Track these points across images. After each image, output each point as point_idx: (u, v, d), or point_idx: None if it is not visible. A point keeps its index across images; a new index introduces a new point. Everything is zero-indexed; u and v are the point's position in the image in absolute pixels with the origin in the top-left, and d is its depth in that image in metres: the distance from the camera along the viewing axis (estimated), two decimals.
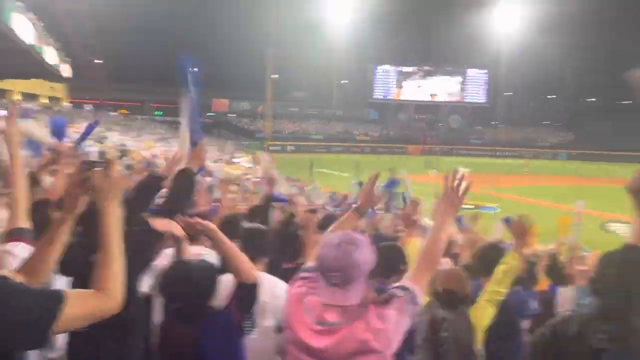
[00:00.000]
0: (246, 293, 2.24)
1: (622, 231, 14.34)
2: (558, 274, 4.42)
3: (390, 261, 3.00)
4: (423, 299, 1.89)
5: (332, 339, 1.72)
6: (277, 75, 59.82)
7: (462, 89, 68.30)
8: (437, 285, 2.75)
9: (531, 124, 70.29)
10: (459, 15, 60.93)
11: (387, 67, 66.91)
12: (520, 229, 2.98)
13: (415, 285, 1.86)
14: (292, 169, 26.61)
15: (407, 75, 67.55)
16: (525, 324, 3.49)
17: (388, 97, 67.60)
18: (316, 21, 60.00)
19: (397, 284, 1.88)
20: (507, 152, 58.47)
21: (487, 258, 3.27)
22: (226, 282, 2.28)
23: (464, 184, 2.05)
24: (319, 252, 1.84)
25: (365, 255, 1.79)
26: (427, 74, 67.54)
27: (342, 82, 70.31)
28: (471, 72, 67.83)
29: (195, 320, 2.17)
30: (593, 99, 71.96)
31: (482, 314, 2.75)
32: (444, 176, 2.04)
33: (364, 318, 1.73)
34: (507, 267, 2.88)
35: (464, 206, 2.09)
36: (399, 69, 67.15)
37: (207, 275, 2.25)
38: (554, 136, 65.66)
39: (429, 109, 69.87)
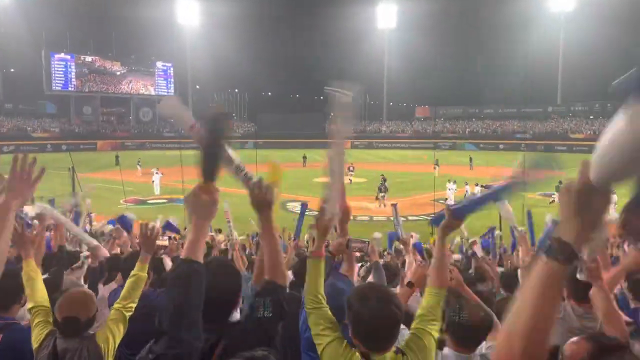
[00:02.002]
0: None
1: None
2: None
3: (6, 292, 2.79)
4: None
5: None
6: None
7: (150, 82, 67.24)
8: (57, 314, 2.50)
9: None
10: (144, 6, 59.68)
11: (65, 55, 60.40)
12: (148, 241, 3.02)
13: None
14: None
15: (90, 66, 62.53)
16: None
17: (69, 89, 61.37)
18: None
19: None
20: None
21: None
22: None
23: None
24: None
25: None
26: (113, 65, 64.02)
27: (11, 70, 60.68)
28: (158, 64, 67.34)
29: None
30: (269, 93, 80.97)
31: (110, 335, 2.61)
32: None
33: None
34: (134, 279, 2.88)
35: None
36: (80, 58, 61.49)
37: None
38: (241, 127, 71.04)
39: (117, 101, 66.57)
